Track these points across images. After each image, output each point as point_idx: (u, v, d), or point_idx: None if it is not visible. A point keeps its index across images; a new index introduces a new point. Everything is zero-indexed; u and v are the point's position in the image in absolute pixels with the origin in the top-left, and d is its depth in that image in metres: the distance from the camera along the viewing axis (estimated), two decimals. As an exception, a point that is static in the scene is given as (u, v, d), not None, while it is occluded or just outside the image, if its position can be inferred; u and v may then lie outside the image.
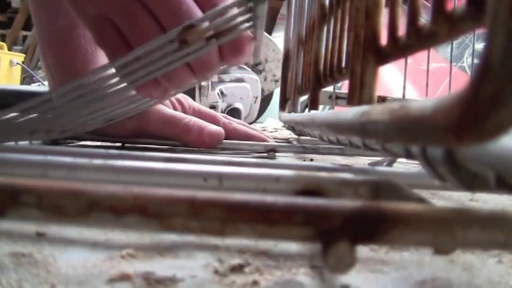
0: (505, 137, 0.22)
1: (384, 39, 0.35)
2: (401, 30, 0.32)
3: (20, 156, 0.33)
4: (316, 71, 0.60)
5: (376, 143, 0.33)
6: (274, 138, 0.97)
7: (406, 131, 0.23)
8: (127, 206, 0.20)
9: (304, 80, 0.75)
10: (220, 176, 0.31)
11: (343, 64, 0.47)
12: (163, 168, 0.31)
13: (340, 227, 0.20)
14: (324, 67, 0.56)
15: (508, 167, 0.21)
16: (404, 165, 0.73)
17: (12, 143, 0.38)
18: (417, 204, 0.25)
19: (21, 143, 0.55)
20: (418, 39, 0.30)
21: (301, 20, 0.80)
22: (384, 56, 0.36)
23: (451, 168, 0.25)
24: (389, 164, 0.68)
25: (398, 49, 0.33)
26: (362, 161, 0.88)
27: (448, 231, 0.21)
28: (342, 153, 0.82)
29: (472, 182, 0.25)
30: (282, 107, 1.01)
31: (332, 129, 0.43)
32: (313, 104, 0.68)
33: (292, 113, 0.83)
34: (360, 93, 0.37)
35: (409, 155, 0.30)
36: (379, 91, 0.37)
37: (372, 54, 0.36)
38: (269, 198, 0.21)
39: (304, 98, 0.83)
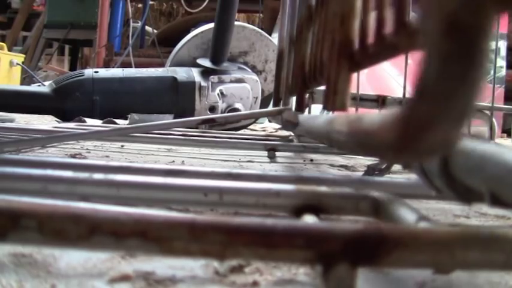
0: (498, 154, 0.22)
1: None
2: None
3: (19, 171, 0.33)
4: (303, 73, 0.60)
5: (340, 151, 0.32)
6: (274, 137, 0.97)
7: (358, 142, 0.23)
8: (128, 230, 0.20)
9: (293, 81, 0.75)
10: (220, 191, 0.31)
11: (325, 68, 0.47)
12: (164, 183, 0.31)
13: (340, 250, 0.20)
14: (309, 69, 0.56)
15: (503, 184, 0.21)
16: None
17: (12, 155, 0.38)
18: (416, 224, 0.25)
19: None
20: (384, 49, 0.30)
21: (293, 19, 0.80)
22: (356, 62, 0.35)
23: (447, 181, 0.25)
24: (388, 167, 0.68)
25: (368, 57, 0.33)
26: (362, 162, 0.88)
27: (448, 253, 0.21)
28: (341, 153, 0.81)
29: (468, 196, 0.25)
30: (275, 106, 1.00)
31: (308, 134, 0.43)
32: (299, 106, 0.68)
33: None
34: (333, 99, 0.36)
35: (406, 166, 0.30)
36: (379, 91, 0.37)
37: (345, 60, 0.36)
38: (269, 221, 0.21)
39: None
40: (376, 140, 0.19)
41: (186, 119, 0.80)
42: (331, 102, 0.36)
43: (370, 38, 0.31)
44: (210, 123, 0.86)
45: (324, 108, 0.38)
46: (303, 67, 0.59)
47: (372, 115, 0.21)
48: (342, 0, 0.35)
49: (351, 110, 0.46)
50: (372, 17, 0.32)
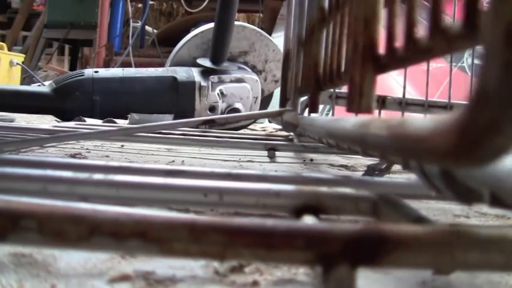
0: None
1: (383, 48, 0.35)
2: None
3: (19, 171, 0.33)
4: (316, 75, 0.60)
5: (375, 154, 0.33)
6: (274, 137, 0.97)
7: (403, 147, 0.23)
8: (128, 230, 0.20)
9: (303, 81, 0.74)
10: (220, 192, 0.31)
11: (343, 69, 0.47)
12: (164, 184, 0.31)
13: (340, 251, 0.20)
14: (323, 71, 0.56)
15: (503, 185, 0.21)
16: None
17: (12, 155, 0.38)
18: (416, 225, 0.25)
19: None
20: (415, 53, 0.30)
21: (301, 20, 0.80)
22: (382, 65, 0.35)
23: (447, 182, 0.25)
24: (388, 167, 0.68)
25: (396, 60, 0.33)
26: (362, 162, 0.88)
27: (448, 254, 0.21)
28: (341, 153, 0.81)
29: (468, 196, 0.25)
30: (283, 106, 1.00)
31: (332, 136, 0.43)
32: (313, 107, 0.68)
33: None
34: (359, 102, 0.37)
35: (406, 166, 0.30)
36: (379, 91, 0.38)
37: (370, 63, 0.36)
38: (269, 222, 0.21)
39: (304, 98, 0.83)
40: (428, 145, 0.19)
41: (188, 120, 0.80)
42: (357, 105, 0.36)
43: (399, 41, 0.31)
44: (211, 124, 0.86)
45: (348, 109, 0.39)
46: (316, 68, 0.59)
47: (415, 120, 0.21)
48: (365, 4, 0.35)
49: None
50: (400, 20, 0.32)
